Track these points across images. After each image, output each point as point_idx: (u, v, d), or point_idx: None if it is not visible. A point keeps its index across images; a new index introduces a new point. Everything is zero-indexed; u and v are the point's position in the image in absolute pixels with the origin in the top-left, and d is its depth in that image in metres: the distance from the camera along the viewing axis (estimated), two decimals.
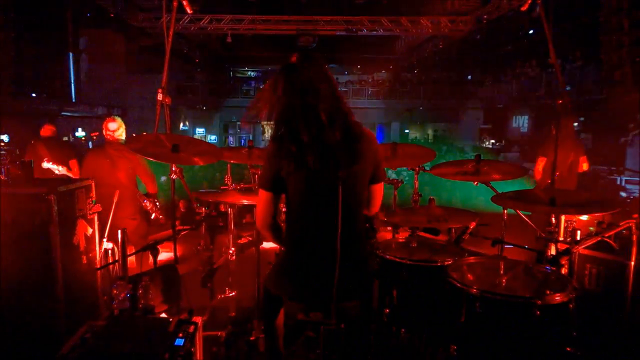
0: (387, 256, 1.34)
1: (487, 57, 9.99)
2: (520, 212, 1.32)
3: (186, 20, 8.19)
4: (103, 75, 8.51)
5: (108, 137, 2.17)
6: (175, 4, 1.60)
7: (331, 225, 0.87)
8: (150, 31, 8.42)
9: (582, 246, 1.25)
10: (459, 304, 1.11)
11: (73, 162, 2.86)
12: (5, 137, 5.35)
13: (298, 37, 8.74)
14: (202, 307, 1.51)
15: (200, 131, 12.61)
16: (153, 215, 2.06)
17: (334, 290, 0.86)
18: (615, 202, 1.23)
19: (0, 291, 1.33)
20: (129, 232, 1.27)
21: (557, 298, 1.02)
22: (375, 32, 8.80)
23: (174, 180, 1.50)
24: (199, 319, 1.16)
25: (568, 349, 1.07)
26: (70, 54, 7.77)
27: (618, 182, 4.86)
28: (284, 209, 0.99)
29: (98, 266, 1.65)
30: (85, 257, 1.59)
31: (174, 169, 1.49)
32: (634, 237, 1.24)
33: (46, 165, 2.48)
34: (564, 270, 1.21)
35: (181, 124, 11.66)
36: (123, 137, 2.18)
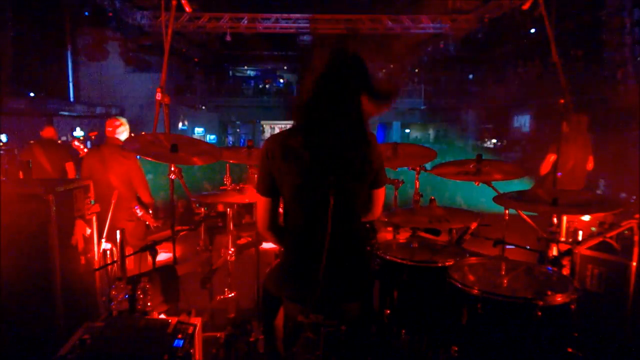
0: (388, 257, 1.33)
1: (488, 56, 9.95)
2: (521, 213, 1.31)
3: (185, 19, 8.15)
4: (101, 74, 8.48)
5: (108, 135, 2.15)
6: (174, 2, 1.58)
7: (322, 228, 0.86)
8: (148, 30, 8.39)
9: (584, 247, 1.24)
10: (460, 304, 1.10)
11: (69, 165, 2.85)
12: (3, 137, 5.34)
13: (298, 36, 8.69)
14: (201, 308, 1.50)
15: (199, 131, 12.59)
16: (147, 223, 2.03)
17: (318, 291, 0.84)
18: (616, 202, 1.22)
19: None
20: (126, 235, 1.26)
21: (559, 299, 1.02)
22: (375, 30, 8.76)
23: (172, 180, 1.49)
24: (198, 320, 1.16)
25: (569, 349, 1.07)
26: (69, 53, 7.74)
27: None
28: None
29: (96, 267, 1.64)
30: (83, 257, 1.58)
31: (172, 169, 1.48)
32: (636, 238, 1.23)
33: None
34: (565, 271, 1.20)
35: (180, 124, 11.63)
36: (123, 137, 2.15)
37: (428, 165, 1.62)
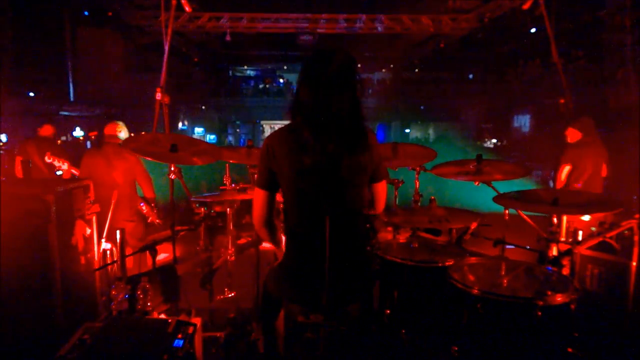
0: (388, 257, 1.33)
1: (488, 56, 9.95)
2: (521, 213, 1.31)
3: (185, 19, 8.13)
4: (101, 74, 8.47)
5: (108, 137, 2.16)
6: (173, 2, 1.58)
7: (321, 228, 0.86)
8: (148, 30, 8.37)
9: (584, 247, 1.24)
10: (460, 304, 1.10)
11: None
12: (3, 137, 5.34)
13: (298, 35, 8.69)
14: (201, 308, 1.50)
15: (199, 131, 12.58)
16: (150, 219, 2.04)
17: (325, 293, 0.85)
18: (616, 202, 1.22)
19: None
20: (126, 235, 1.26)
21: (559, 299, 1.02)
22: (375, 30, 8.74)
23: (172, 180, 1.49)
24: (198, 320, 1.15)
25: (569, 349, 1.07)
26: (69, 53, 7.73)
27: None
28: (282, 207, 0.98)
29: (96, 267, 1.64)
30: (83, 257, 1.57)
31: (172, 169, 1.47)
32: (636, 238, 1.23)
33: (48, 160, 2.45)
34: (565, 271, 1.19)
35: (180, 124, 11.63)
36: (122, 137, 2.16)
37: (428, 165, 1.62)
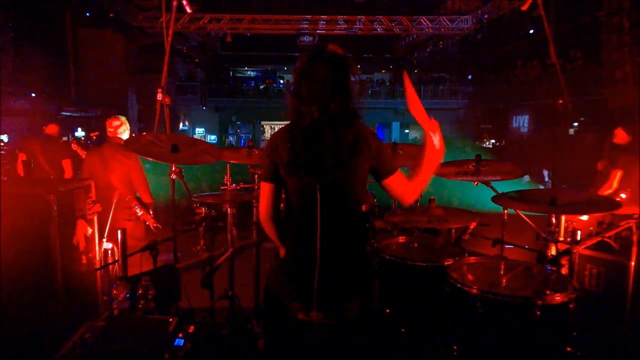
0: (388, 256, 1.34)
1: (487, 56, 9.98)
2: (520, 212, 1.31)
3: (186, 20, 8.17)
4: (103, 75, 8.50)
5: (109, 135, 2.14)
6: (174, 3, 1.59)
7: (313, 229, 0.87)
8: (149, 31, 8.40)
9: (583, 246, 1.24)
10: (459, 304, 1.11)
11: (66, 162, 2.84)
12: (5, 137, 5.35)
13: (298, 36, 8.72)
14: (202, 307, 1.50)
15: (200, 131, 12.61)
16: (146, 222, 2.03)
17: (315, 291, 0.85)
18: (614, 202, 1.23)
19: (0, 291, 1.32)
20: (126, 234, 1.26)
21: (558, 298, 1.02)
22: (375, 31, 8.77)
23: (173, 180, 1.50)
24: (198, 319, 1.15)
25: (568, 349, 1.08)
26: (70, 54, 7.76)
27: None
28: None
29: (98, 266, 1.64)
30: (84, 257, 1.58)
31: (173, 169, 1.48)
32: (634, 237, 1.23)
33: (74, 148, 2.47)
34: (564, 271, 1.20)
35: (181, 124, 11.65)
36: (124, 136, 2.15)
37: None
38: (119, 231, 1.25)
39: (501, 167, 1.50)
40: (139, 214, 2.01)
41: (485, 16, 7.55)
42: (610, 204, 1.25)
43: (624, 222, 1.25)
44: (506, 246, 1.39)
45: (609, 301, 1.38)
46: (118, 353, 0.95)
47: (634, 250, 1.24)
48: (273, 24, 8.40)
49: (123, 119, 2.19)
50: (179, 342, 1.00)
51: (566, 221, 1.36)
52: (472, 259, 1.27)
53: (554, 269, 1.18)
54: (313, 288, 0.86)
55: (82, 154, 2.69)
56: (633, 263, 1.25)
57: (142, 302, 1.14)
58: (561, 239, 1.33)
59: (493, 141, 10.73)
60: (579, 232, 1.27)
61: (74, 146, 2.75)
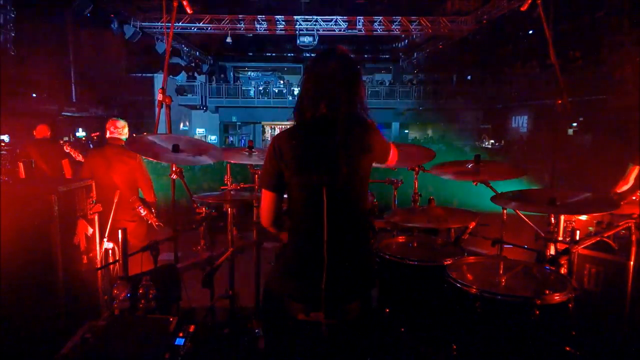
0: (388, 256, 1.34)
1: (487, 57, 9.99)
2: (519, 212, 1.32)
3: (186, 21, 8.17)
4: (103, 75, 8.50)
5: (110, 136, 2.15)
6: (175, 4, 1.60)
7: (319, 228, 0.87)
8: (150, 31, 8.40)
9: (582, 246, 1.25)
10: (458, 303, 1.11)
11: (65, 162, 2.84)
12: (5, 138, 5.36)
13: (298, 37, 8.73)
14: (203, 307, 1.51)
15: (200, 131, 12.61)
16: (149, 221, 2.04)
17: (323, 292, 0.86)
18: (614, 202, 1.23)
19: (1, 291, 1.33)
20: (127, 234, 1.27)
21: (557, 298, 1.02)
22: (375, 31, 8.78)
23: (174, 180, 1.50)
24: (199, 319, 1.16)
25: (567, 348, 1.08)
26: (70, 54, 7.77)
27: None
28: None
29: (99, 266, 1.64)
30: (85, 257, 1.58)
31: (174, 169, 1.49)
32: (633, 237, 1.24)
33: (66, 150, 2.48)
34: (563, 270, 1.20)
35: (181, 125, 11.65)
36: (125, 137, 2.16)
37: (427, 165, 1.64)
38: (119, 231, 1.25)
39: (501, 167, 1.51)
40: (142, 214, 2.02)
41: (485, 16, 7.55)
42: (609, 203, 1.25)
43: (623, 222, 1.25)
44: (505, 246, 1.39)
45: (608, 301, 1.38)
46: (119, 353, 0.96)
47: (633, 250, 1.24)
48: (273, 24, 8.41)
49: (123, 121, 2.19)
50: (180, 341, 1.00)
51: (565, 221, 1.37)
52: (472, 259, 1.28)
53: (553, 268, 1.18)
54: (320, 289, 0.85)
55: (76, 155, 2.69)
56: (632, 263, 1.25)
57: (142, 301, 1.14)
58: (560, 238, 1.33)
59: (492, 141, 10.74)
60: (578, 232, 1.28)
61: (67, 148, 2.74)
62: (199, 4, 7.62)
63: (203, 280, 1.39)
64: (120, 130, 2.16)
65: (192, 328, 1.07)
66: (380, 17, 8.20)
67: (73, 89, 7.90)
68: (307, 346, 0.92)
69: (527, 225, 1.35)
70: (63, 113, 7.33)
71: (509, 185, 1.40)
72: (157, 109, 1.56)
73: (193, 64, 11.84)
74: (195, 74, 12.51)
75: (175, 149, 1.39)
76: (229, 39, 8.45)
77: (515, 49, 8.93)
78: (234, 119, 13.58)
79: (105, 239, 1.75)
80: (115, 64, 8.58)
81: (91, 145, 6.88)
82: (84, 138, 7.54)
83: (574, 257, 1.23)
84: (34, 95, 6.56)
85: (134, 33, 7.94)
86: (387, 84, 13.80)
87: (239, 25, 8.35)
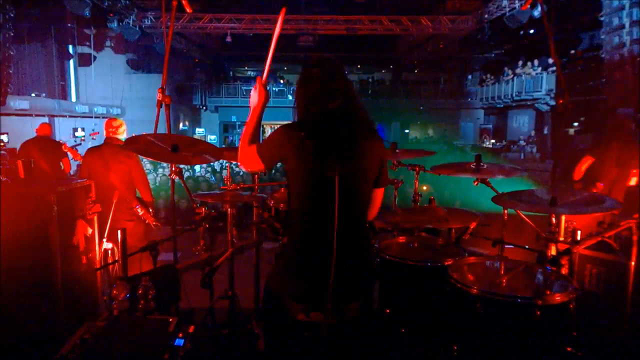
0: (388, 256, 1.33)
1: (487, 56, 9.98)
2: (520, 213, 1.31)
3: (186, 20, 8.16)
4: (102, 74, 8.50)
5: (108, 136, 2.15)
6: (174, 3, 1.59)
7: (329, 225, 0.87)
8: (149, 31, 8.40)
9: (583, 246, 1.24)
10: (459, 304, 1.11)
11: (65, 161, 2.88)
12: (5, 137, 5.36)
13: (298, 36, 8.73)
14: (202, 307, 1.50)
15: (200, 131, 12.61)
16: (146, 221, 2.04)
17: (330, 291, 0.85)
18: (615, 202, 1.23)
19: (0, 291, 1.32)
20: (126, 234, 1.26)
21: (558, 298, 1.02)
22: (375, 31, 8.77)
23: (173, 180, 1.50)
24: (198, 319, 1.15)
25: (568, 349, 1.08)
26: (70, 54, 7.76)
27: None
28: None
29: (98, 266, 1.64)
30: (84, 257, 1.58)
31: (173, 169, 1.48)
32: (635, 238, 1.23)
33: (64, 150, 2.50)
34: (564, 271, 1.20)
35: (181, 124, 11.65)
36: (123, 137, 2.16)
37: (427, 166, 1.63)
38: (119, 231, 1.25)
39: (501, 167, 1.50)
40: (140, 214, 2.02)
41: (485, 16, 7.55)
42: (610, 204, 1.25)
43: (624, 222, 1.25)
44: (506, 246, 1.39)
45: (609, 301, 1.38)
46: (118, 353, 0.95)
47: (634, 250, 1.24)
48: (273, 24, 8.40)
49: (121, 120, 2.20)
50: (179, 342, 1.00)
51: (566, 221, 1.36)
52: (472, 259, 1.28)
53: (554, 269, 1.18)
54: (327, 288, 0.85)
55: (74, 155, 2.70)
56: (633, 263, 1.25)
57: (142, 302, 1.14)
58: (561, 239, 1.33)
59: (493, 141, 10.74)
60: (579, 232, 1.27)
61: (65, 148, 2.76)
62: (199, 3, 7.62)
63: (202, 280, 1.39)
64: (118, 130, 2.16)
65: (191, 329, 1.07)
66: (381, 17, 8.19)
67: (72, 88, 7.89)
68: (307, 347, 0.91)
69: (528, 225, 1.35)
70: (62, 113, 7.33)
71: (509, 185, 1.40)
72: (156, 109, 1.55)
73: (192, 64, 11.83)
74: (195, 74, 12.50)
75: (175, 148, 1.38)
76: (228, 38, 8.44)
77: (516, 48, 8.92)
78: (233, 118, 13.59)
79: (104, 239, 1.75)
80: (115, 64, 8.58)
81: (89, 145, 6.87)
82: (82, 138, 7.54)
83: (575, 258, 1.22)
84: (34, 95, 6.56)
85: (133, 32, 7.93)
86: (387, 84, 13.80)
87: (238, 25, 8.34)
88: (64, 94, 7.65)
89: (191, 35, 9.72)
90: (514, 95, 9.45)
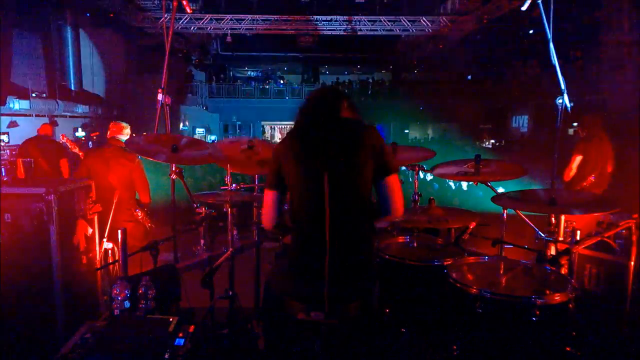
0: (388, 256, 1.34)
1: (487, 56, 10.00)
2: (520, 212, 1.32)
3: (186, 20, 8.17)
4: (103, 75, 8.49)
5: (111, 136, 2.15)
6: (175, 3, 1.59)
7: (321, 223, 0.88)
8: (149, 31, 8.41)
9: (582, 246, 1.25)
10: (459, 303, 1.11)
11: (63, 162, 2.87)
12: (5, 137, 5.37)
13: (298, 37, 8.73)
14: (202, 307, 1.50)
15: (200, 131, 12.63)
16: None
17: (326, 290, 0.86)
18: (614, 202, 1.23)
19: (0, 291, 1.32)
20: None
21: (557, 298, 1.02)
22: (375, 31, 8.78)
23: (173, 180, 1.50)
24: (199, 319, 1.16)
25: (567, 348, 1.08)
26: (70, 54, 7.77)
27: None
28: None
29: (98, 266, 1.64)
30: (85, 257, 1.58)
31: (173, 169, 1.49)
32: (634, 237, 1.24)
33: (62, 140, 2.51)
34: (563, 270, 1.20)
35: (181, 124, 11.65)
36: (125, 139, 2.15)
37: (426, 165, 1.63)
38: (119, 231, 1.25)
39: (501, 166, 1.51)
40: (139, 217, 2.03)
41: (485, 16, 7.55)
42: (609, 204, 1.25)
43: (623, 222, 1.25)
44: (506, 246, 1.39)
45: (609, 301, 1.38)
46: (118, 353, 0.95)
47: (634, 250, 1.24)
48: (273, 24, 8.42)
49: (126, 124, 2.20)
50: (179, 341, 1.00)
51: (566, 221, 1.37)
52: (472, 259, 1.27)
53: (553, 268, 1.18)
54: (324, 288, 0.86)
55: (73, 147, 2.71)
56: (632, 263, 1.25)
57: (142, 302, 1.14)
58: (561, 238, 1.33)
59: (493, 141, 10.74)
60: (578, 232, 1.28)
61: (64, 138, 2.76)
62: (199, 4, 7.62)
63: (203, 280, 1.39)
64: (121, 131, 2.16)
65: (191, 328, 1.07)
66: (381, 17, 8.21)
67: (72, 88, 7.89)
68: (307, 346, 0.91)
69: (528, 225, 1.35)
70: (62, 113, 7.33)
71: (510, 185, 1.40)
72: (157, 109, 1.56)
73: (193, 64, 11.84)
74: (195, 74, 12.50)
75: (175, 149, 1.39)
76: (228, 39, 8.45)
77: (516, 48, 8.93)
78: (233, 118, 13.60)
79: (104, 239, 1.75)
80: (115, 64, 8.58)
81: (90, 145, 6.89)
82: (83, 138, 7.54)
83: (574, 257, 1.22)
84: (33, 95, 6.57)
85: (133, 32, 7.93)
86: (387, 84, 13.81)
87: (239, 25, 8.35)
88: (64, 94, 7.65)
89: (191, 36, 9.73)
90: (514, 95, 9.46)
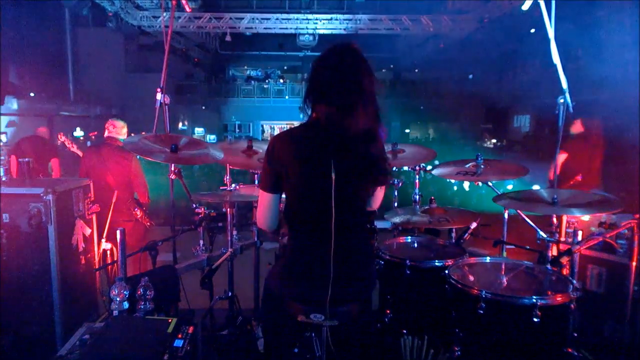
0: (388, 257, 1.33)
1: (488, 56, 9.96)
2: (521, 213, 1.31)
3: (185, 19, 8.14)
4: (101, 74, 8.46)
5: (108, 135, 2.14)
6: (174, 2, 1.58)
7: (326, 225, 0.86)
8: (148, 30, 8.37)
9: (584, 247, 1.24)
10: (460, 304, 1.11)
11: (54, 161, 2.88)
12: (3, 137, 5.35)
13: (298, 35, 8.71)
14: (201, 308, 1.50)
15: (199, 131, 12.61)
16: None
17: (329, 291, 0.85)
18: (616, 202, 1.23)
19: None
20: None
21: (559, 299, 1.02)
22: (375, 30, 8.76)
23: (172, 180, 1.49)
24: (198, 320, 1.15)
25: (569, 349, 1.07)
26: (69, 53, 7.74)
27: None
28: None
29: (97, 267, 1.64)
30: (83, 257, 1.57)
31: (172, 169, 1.48)
32: (636, 238, 1.23)
33: (60, 139, 2.51)
34: (565, 271, 1.20)
35: (180, 124, 11.63)
36: (123, 138, 2.14)
37: (428, 165, 1.63)
38: (117, 231, 1.25)
39: (502, 166, 1.50)
40: (138, 216, 2.01)
41: (486, 16, 7.53)
42: (611, 204, 1.24)
43: (625, 223, 1.25)
44: (507, 246, 1.39)
45: (610, 302, 1.38)
46: (117, 354, 0.95)
47: (635, 250, 1.24)
48: (273, 23, 8.39)
49: (122, 122, 2.18)
50: (178, 343, 1.00)
51: (567, 221, 1.36)
52: (473, 260, 1.27)
53: (555, 269, 1.18)
54: (327, 289, 0.84)
55: (70, 145, 2.71)
56: (634, 263, 1.25)
57: (141, 302, 1.13)
58: (562, 239, 1.33)
59: (494, 141, 10.72)
60: (580, 233, 1.27)
61: (61, 137, 2.76)
62: (198, 2, 7.60)
63: (202, 281, 1.38)
64: (119, 130, 2.15)
65: (191, 329, 1.06)
66: (381, 16, 8.19)
67: (71, 88, 7.86)
68: (307, 347, 0.91)
69: (529, 225, 1.35)
70: (61, 112, 7.30)
71: (517, 185, 1.38)
72: (155, 108, 1.55)
73: (192, 63, 11.80)
74: (194, 73, 12.46)
75: (174, 148, 1.38)
76: (228, 38, 8.43)
77: (517, 47, 8.90)
78: (233, 118, 13.56)
79: (103, 240, 1.74)
80: (114, 63, 8.54)
81: (89, 144, 6.87)
82: (81, 137, 7.51)
83: (576, 258, 1.22)
84: (32, 94, 6.55)
85: (132, 31, 7.90)
86: (387, 83, 13.78)
87: (238, 24, 8.33)
88: (64, 94, 7.62)
89: (190, 35, 9.70)
90: (514, 95, 9.44)
